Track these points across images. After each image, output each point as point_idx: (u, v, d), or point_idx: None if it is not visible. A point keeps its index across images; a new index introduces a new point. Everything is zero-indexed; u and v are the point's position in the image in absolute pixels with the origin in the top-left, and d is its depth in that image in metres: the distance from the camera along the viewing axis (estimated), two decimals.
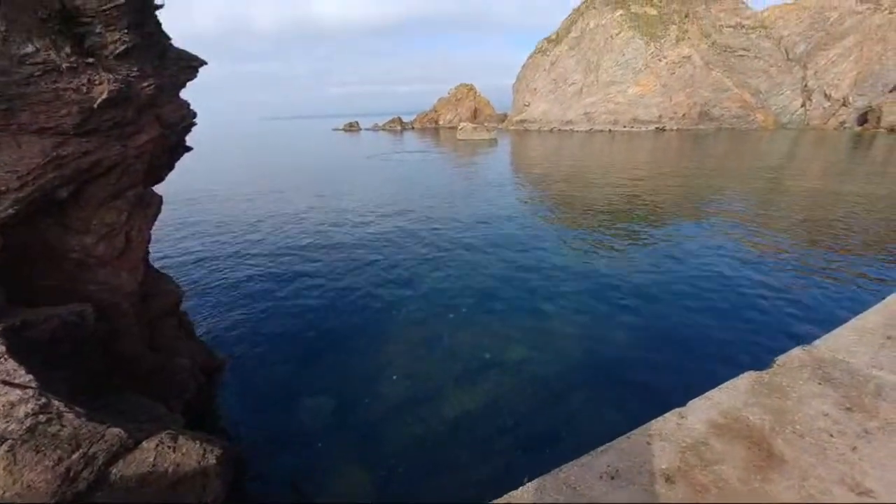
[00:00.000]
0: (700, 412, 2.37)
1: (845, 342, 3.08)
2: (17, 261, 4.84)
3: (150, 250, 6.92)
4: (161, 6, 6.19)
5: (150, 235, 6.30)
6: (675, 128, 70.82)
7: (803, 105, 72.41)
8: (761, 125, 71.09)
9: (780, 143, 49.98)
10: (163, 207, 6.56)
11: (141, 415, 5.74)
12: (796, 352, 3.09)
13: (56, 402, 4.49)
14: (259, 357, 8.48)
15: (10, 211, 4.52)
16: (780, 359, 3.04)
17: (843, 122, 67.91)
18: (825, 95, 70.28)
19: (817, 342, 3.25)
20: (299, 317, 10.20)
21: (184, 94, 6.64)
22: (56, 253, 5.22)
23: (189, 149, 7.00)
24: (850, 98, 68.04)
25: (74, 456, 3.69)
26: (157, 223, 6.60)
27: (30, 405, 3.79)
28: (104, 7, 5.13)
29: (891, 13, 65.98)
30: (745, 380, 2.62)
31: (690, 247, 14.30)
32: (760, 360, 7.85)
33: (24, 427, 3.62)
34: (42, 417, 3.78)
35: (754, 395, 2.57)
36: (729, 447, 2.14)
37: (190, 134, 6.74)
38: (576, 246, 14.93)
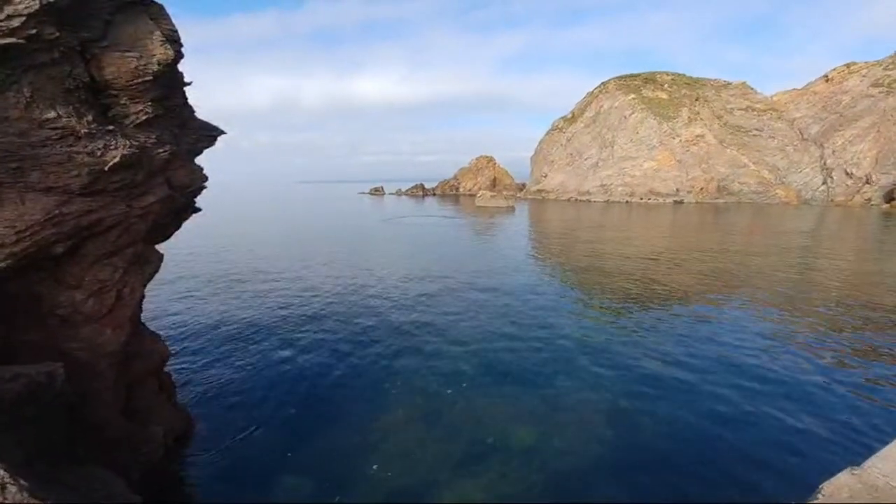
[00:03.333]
0: None
1: None
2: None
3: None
4: (189, 83, 6.74)
5: (143, 293, 6.23)
6: (693, 201, 71.14)
7: (825, 182, 72.21)
8: (783, 200, 70.65)
9: (805, 219, 49.02)
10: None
11: (95, 491, 5.20)
12: (845, 477, 2.51)
13: (1, 472, 4.11)
14: (238, 422, 7.86)
15: (2, 264, 4.53)
16: (827, 487, 2.47)
17: (868, 200, 66.79)
18: (846, 173, 70.16)
19: (868, 463, 2.69)
20: (288, 380, 9.65)
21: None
22: (42, 307, 5.14)
23: (198, 210, 7.18)
24: (874, 176, 67.58)
25: None
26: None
27: None
28: (133, 82, 5.58)
29: None
30: None
31: (718, 329, 13.26)
32: (799, 464, 6.69)
33: None
34: None
35: None
36: None
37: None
38: (593, 319, 14.18)
